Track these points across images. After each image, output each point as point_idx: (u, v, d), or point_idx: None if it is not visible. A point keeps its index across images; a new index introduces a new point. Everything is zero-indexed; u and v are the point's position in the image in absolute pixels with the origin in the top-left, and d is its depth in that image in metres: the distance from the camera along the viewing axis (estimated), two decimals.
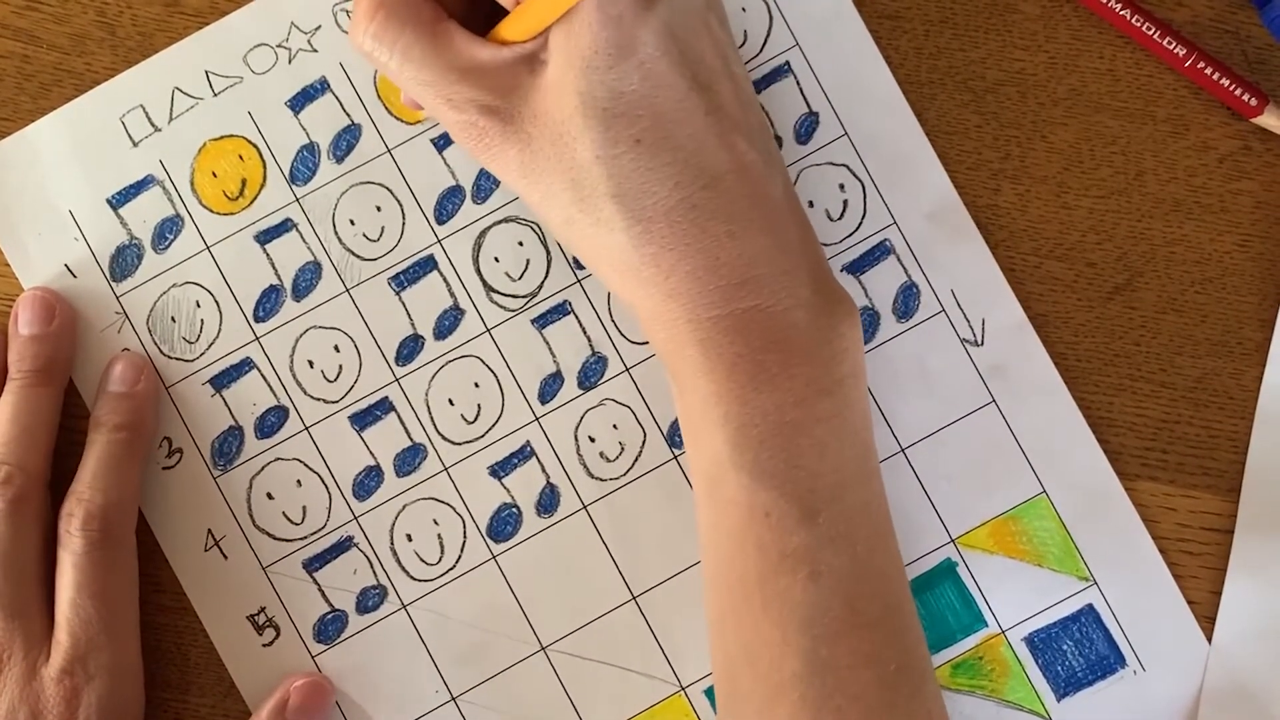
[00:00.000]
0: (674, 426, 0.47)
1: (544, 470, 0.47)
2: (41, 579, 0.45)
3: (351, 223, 0.48)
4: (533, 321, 0.47)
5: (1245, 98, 0.47)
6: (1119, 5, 0.47)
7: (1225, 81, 0.47)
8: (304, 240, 0.48)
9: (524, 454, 0.47)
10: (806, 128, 0.48)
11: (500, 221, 0.48)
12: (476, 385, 0.47)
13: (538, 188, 0.40)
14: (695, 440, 0.41)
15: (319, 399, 0.47)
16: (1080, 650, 0.46)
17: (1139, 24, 0.47)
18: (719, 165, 0.39)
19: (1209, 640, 0.46)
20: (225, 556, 0.47)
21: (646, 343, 0.47)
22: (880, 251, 0.47)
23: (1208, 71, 0.47)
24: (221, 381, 0.47)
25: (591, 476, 0.47)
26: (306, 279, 0.47)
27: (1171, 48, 0.47)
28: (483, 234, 0.48)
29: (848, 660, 0.39)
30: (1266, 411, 0.47)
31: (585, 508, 0.47)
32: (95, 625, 0.44)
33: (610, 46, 0.38)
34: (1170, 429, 0.47)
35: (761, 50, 0.48)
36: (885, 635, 0.40)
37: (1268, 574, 0.46)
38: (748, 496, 0.39)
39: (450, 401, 0.47)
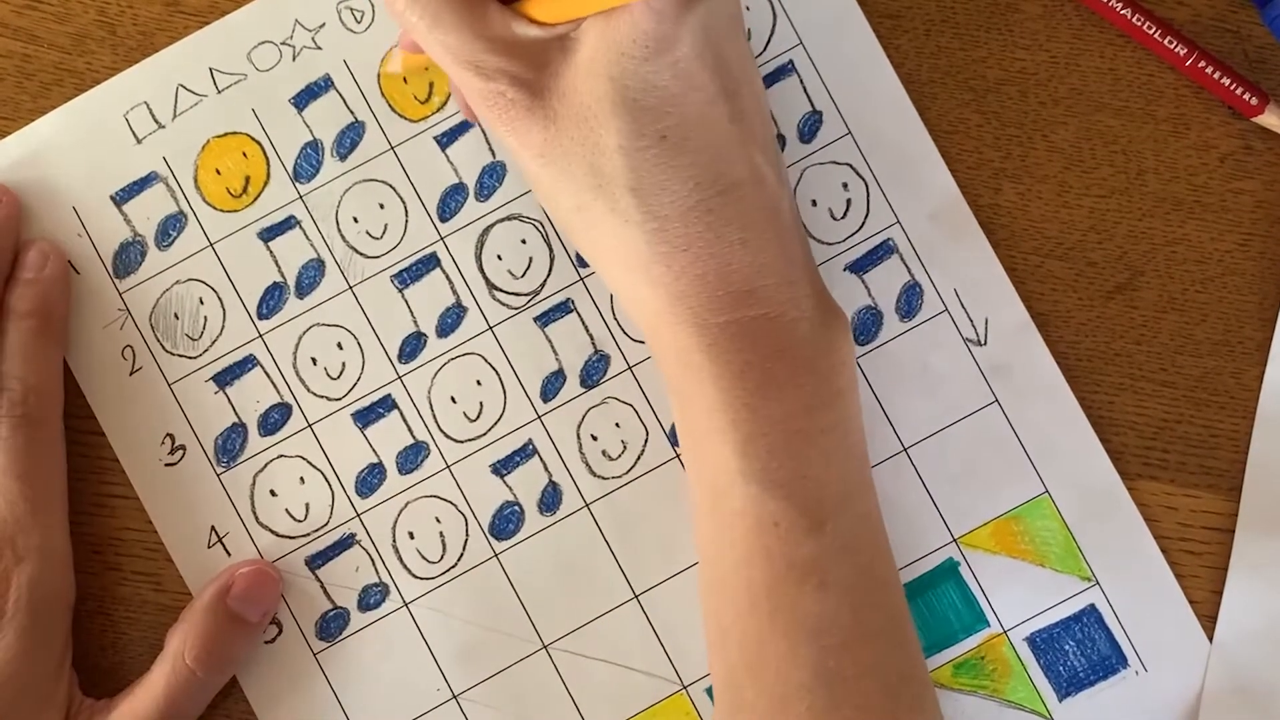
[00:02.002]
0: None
1: (546, 468, 0.47)
2: None
3: (354, 220, 0.48)
4: (535, 319, 0.47)
5: (1246, 97, 0.47)
6: (1120, 4, 0.47)
7: (1226, 81, 0.47)
8: (307, 237, 0.48)
9: (526, 452, 0.47)
10: (810, 126, 0.48)
11: (503, 219, 0.48)
12: (479, 383, 0.47)
13: (554, 169, 0.40)
14: (698, 451, 0.41)
15: (322, 396, 0.47)
16: (1082, 650, 0.46)
17: (1140, 23, 0.47)
18: (737, 174, 0.39)
19: (1210, 640, 0.46)
20: (229, 554, 0.47)
21: None
22: (883, 250, 0.47)
23: (1208, 71, 0.47)
24: (224, 378, 0.47)
25: (594, 475, 0.47)
26: (309, 276, 0.47)
27: (1172, 47, 0.47)
28: (485, 232, 0.48)
29: (854, 671, 0.39)
30: (1267, 411, 0.47)
31: (587, 506, 0.47)
32: (20, 507, 0.44)
33: (649, 39, 0.38)
34: (1171, 428, 0.47)
35: (765, 49, 0.48)
36: (889, 645, 0.41)
37: (1269, 573, 0.46)
38: (756, 506, 0.39)
39: (452, 399, 0.47)
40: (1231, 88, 0.47)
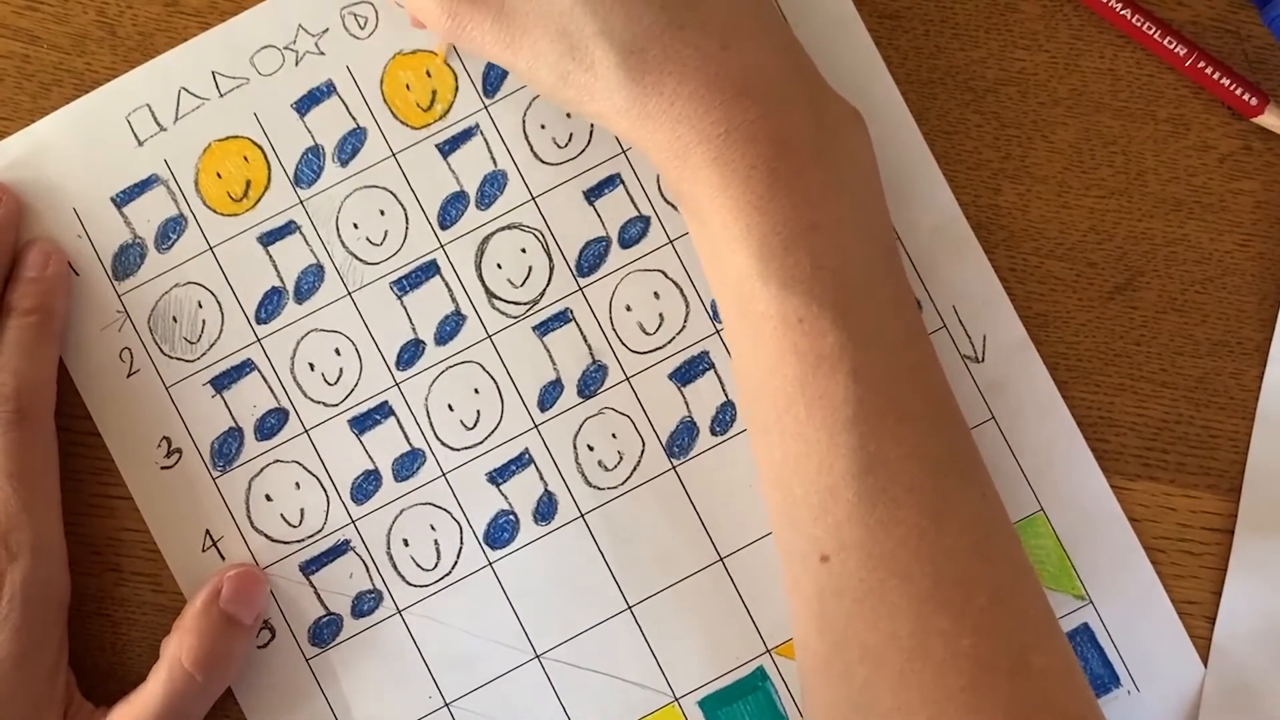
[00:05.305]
0: (673, 437, 0.47)
1: (542, 478, 0.47)
2: None
3: (355, 226, 0.48)
4: (534, 328, 0.47)
5: (1246, 97, 0.47)
6: (1120, 5, 0.47)
7: (1226, 81, 0.47)
8: (307, 243, 0.48)
9: (522, 461, 0.47)
10: None
11: (504, 228, 0.48)
12: (476, 391, 0.47)
13: (524, 51, 0.42)
14: (720, 265, 0.42)
15: (319, 402, 0.47)
16: None
17: (1140, 24, 0.47)
18: None
19: (1204, 663, 0.46)
20: (223, 558, 0.47)
21: (648, 352, 0.47)
22: None
23: (1208, 71, 0.47)
24: (222, 382, 0.47)
25: (589, 485, 0.47)
26: (309, 282, 0.47)
27: (1172, 47, 0.47)
28: (486, 240, 0.48)
29: (896, 453, 0.40)
30: (1267, 411, 0.47)
31: (583, 516, 0.47)
32: (13, 504, 0.44)
33: None
34: (1171, 429, 0.47)
35: None
36: (929, 426, 0.41)
37: (1268, 574, 0.46)
38: (779, 306, 0.40)
39: (450, 407, 0.47)
40: (1231, 88, 0.47)
